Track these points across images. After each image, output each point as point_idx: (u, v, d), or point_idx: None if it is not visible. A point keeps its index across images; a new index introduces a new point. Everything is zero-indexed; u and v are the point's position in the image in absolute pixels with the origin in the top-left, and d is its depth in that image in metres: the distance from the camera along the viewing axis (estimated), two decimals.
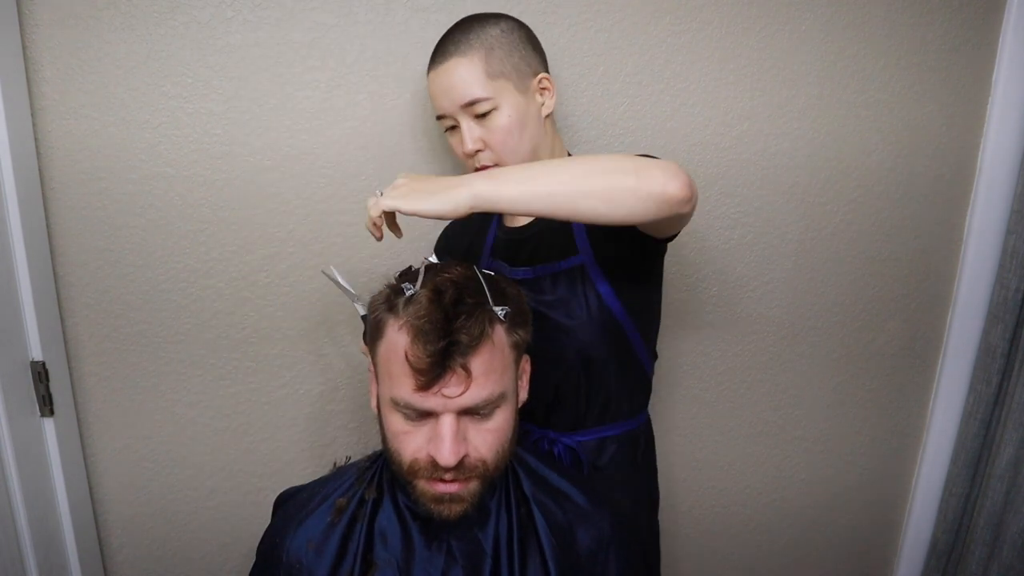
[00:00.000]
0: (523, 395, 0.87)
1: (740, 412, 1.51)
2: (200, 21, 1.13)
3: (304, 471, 1.36)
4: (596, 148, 1.29)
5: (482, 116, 0.98)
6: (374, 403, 0.84)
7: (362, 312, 0.95)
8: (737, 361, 1.47)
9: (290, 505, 0.93)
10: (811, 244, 1.42)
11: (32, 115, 1.12)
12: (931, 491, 1.61)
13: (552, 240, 1.01)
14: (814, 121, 1.35)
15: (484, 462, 0.78)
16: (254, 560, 0.94)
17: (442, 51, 0.99)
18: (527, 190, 0.79)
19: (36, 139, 1.13)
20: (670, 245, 1.00)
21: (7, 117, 1.04)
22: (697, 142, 1.32)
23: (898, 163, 1.40)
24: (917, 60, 1.35)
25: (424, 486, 0.78)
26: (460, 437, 0.75)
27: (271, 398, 1.32)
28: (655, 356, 1.12)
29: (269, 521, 0.96)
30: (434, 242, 1.23)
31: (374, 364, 0.82)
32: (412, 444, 0.77)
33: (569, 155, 1.11)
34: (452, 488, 0.77)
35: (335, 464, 1.01)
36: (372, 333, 0.81)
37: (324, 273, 0.91)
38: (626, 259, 0.98)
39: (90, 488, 1.29)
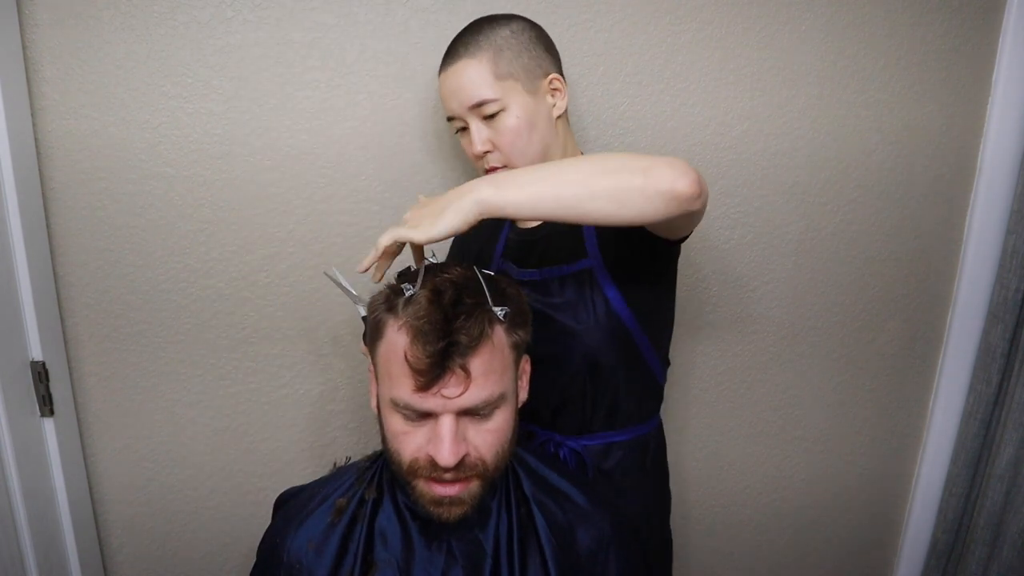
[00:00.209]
0: (523, 395, 0.87)
1: (740, 412, 1.51)
2: (200, 21, 1.13)
3: (304, 471, 1.36)
4: (596, 148, 1.29)
5: (491, 117, 0.97)
6: (374, 403, 0.84)
7: (363, 313, 0.95)
8: (737, 361, 1.47)
9: (290, 505, 0.93)
10: (811, 244, 1.42)
11: (32, 115, 1.12)
12: (931, 491, 1.61)
13: (562, 242, 1.01)
14: (814, 121, 1.35)
15: (484, 461, 0.78)
16: (254, 560, 0.94)
17: (452, 53, 0.99)
18: (533, 193, 0.77)
19: (36, 139, 1.13)
20: None
21: (7, 117, 1.04)
22: (697, 142, 1.32)
23: (898, 163, 1.40)
24: (917, 60, 1.35)
25: (423, 487, 0.78)
26: (460, 437, 0.75)
27: (271, 398, 1.32)
28: (667, 363, 1.11)
29: (269, 521, 0.96)
30: (445, 245, 1.23)
31: (374, 364, 0.82)
32: (412, 444, 0.77)
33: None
34: (452, 490, 0.77)
35: (335, 464, 1.01)
36: (372, 333, 0.81)
37: (326, 275, 0.91)
38: (636, 262, 0.97)
39: (90, 488, 1.29)
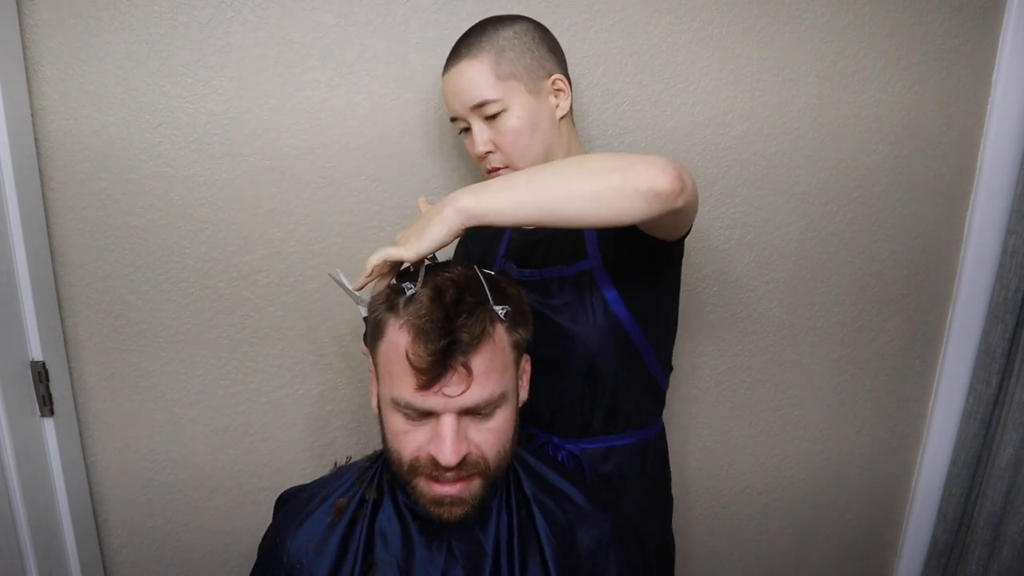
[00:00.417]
0: (523, 395, 0.87)
1: (740, 412, 1.51)
2: (200, 21, 1.13)
3: (304, 471, 1.36)
4: (596, 148, 1.29)
5: (492, 118, 0.97)
6: (374, 403, 0.84)
7: (365, 315, 0.95)
8: (737, 361, 1.47)
9: (291, 505, 0.93)
10: (811, 244, 1.42)
11: (32, 115, 1.12)
12: (931, 491, 1.61)
13: (563, 244, 1.00)
14: (814, 121, 1.35)
15: (485, 460, 0.78)
16: (254, 560, 0.94)
17: (455, 53, 0.99)
18: (512, 199, 0.77)
19: (36, 139, 1.13)
20: None
21: (7, 117, 1.04)
22: (697, 142, 1.32)
23: (898, 163, 1.40)
24: (917, 60, 1.35)
25: (424, 487, 0.78)
26: (461, 436, 0.75)
27: (271, 398, 1.32)
28: (670, 368, 1.10)
29: (269, 521, 0.96)
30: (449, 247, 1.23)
31: (374, 364, 0.82)
32: (412, 443, 0.77)
33: None
34: (453, 490, 0.77)
35: (335, 464, 1.01)
36: (372, 333, 0.81)
37: (330, 276, 0.91)
38: (636, 263, 0.97)
39: (90, 488, 1.29)
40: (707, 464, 1.52)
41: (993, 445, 1.47)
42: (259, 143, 1.20)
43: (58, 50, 1.11)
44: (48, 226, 1.16)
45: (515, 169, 0.98)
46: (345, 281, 0.89)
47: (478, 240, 1.15)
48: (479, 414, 0.76)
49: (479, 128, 0.99)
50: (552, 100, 1.00)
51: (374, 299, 0.82)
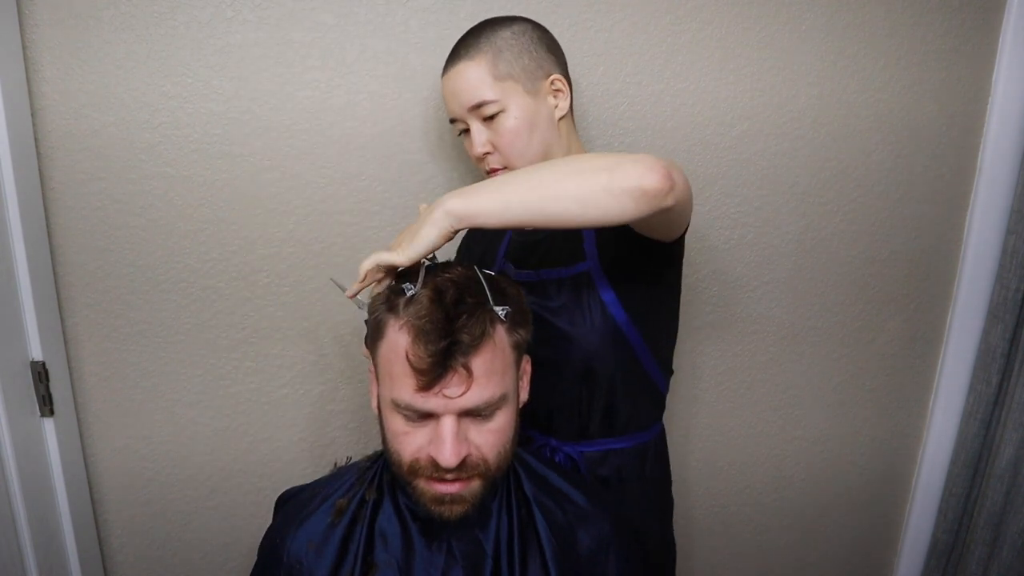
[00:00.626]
0: (524, 396, 0.87)
1: (740, 412, 1.51)
2: (200, 21, 1.13)
3: (304, 471, 1.36)
4: (596, 148, 1.29)
5: (491, 119, 0.97)
6: (374, 404, 0.84)
7: (366, 318, 0.95)
8: (737, 361, 1.47)
9: (291, 505, 0.93)
10: (811, 244, 1.42)
11: (32, 115, 1.12)
12: (931, 491, 1.61)
13: (562, 245, 1.00)
14: (814, 121, 1.35)
15: (486, 461, 0.77)
16: (255, 560, 0.94)
17: (453, 55, 1.00)
18: (500, 200, 0.77)
19: (36, 139, 1.13)
20: None
21: (7, 117, 1.04)
22: (697, 142, 1.32)
23: (898, 163, 1.40)
24: (917, 60, 1.35)
25: (424, 486, 0.78)
26: (461, 438, 0.75)
27: (271, 398, 1.32)
28: (670, 371, 1.09)
29: (269, 521, 0.96)
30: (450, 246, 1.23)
31: (374, 365, 0.82)
32: (412, 444, 0.77)
33: None
34: (453, 488, 0.77)
35: (335, 464, 1.01)
36: (372, 334, 0.81)
37: (332, 281, 0.91)
38: (633, 264, 0.96)
39: (90, 488, 1.29)
40: (707, 464, 1.52)
41: (993, 445, 1.47)
42: (259, 143, 1.20)
43: (58, 50, 1.11)
44: (48, 226, 1.16)
45: (514, 170, 0.98)
46: (346, 287, 0.89)
47: (479, 240, 1.15)
48: (479, 415, 0.76)
49: (477, 129, 0.99)
50: (551, 100, 1.00)
51: (374, 299, 0.82)
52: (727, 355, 1.46)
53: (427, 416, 0.75)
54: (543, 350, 0.95)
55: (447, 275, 0.78)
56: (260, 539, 0.94)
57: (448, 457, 0.73)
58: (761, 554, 1.61)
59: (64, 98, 1.13)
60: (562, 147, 1.03)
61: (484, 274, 0.82)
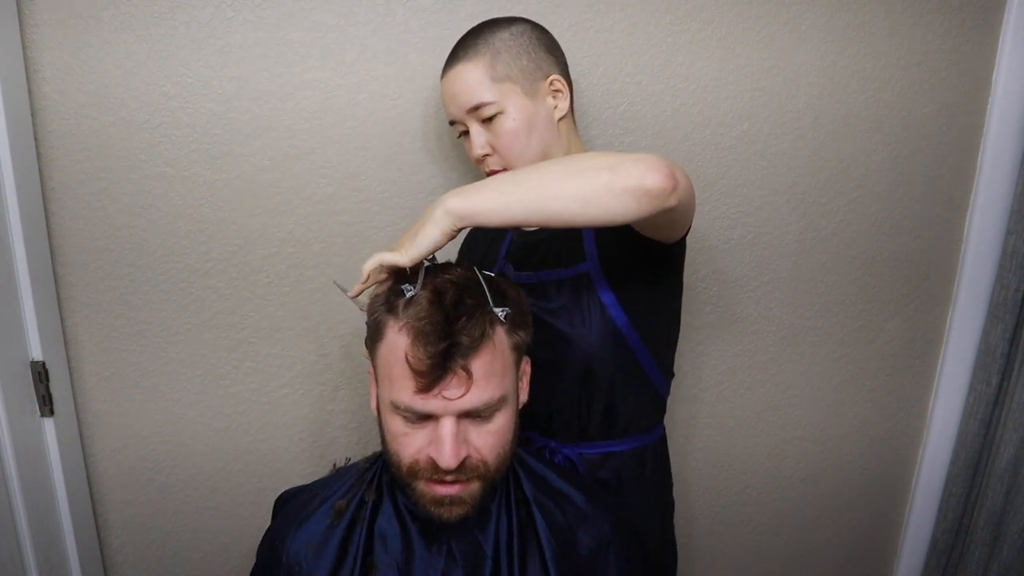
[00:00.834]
0: (523, 397, 0.87)
1: (740, 412, 1.51)
2: (200, 21, 1.13)
3: (304, 471, 1.36)
4: (596, 148, 1.29)
5: (489, 120, 0.97)
6: (374, 404, 0.84)
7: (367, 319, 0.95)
8: (737, 361, 1.47)
9: (290, 506, 0.93)
10: (811, 244, 1.42)
11: (32, 115, 1.12)
12: (931, 491, 1.61)
13: (562, 246, 1.00)
14: (814, 121, 1.35)
15: (485, 463, 0.77)
16: (254, 560, 0.94)
17: (452, 57, 0.99)
18: (500, 199, 0.77)
19: (36, 139, 1.13)
20: None
21: (7, 117, 1.04)
22: (697, 142, 1.32)
23: (898, 163, 1.40)
24: (917, 60, 1.35)
25: (424, 488, 0.78)
26: (460, 439, 0.75)
27: (271, 398, 1.32)
28: (671, 374, 1.08)
29: (269, 521, 0.96)
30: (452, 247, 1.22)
31: (373, 366, 0.82)
32: (412, 446, 0.77)
33: None
34: (452, 490, 0.77)
35: (335, 465, 1.01)
36: (372, 335, 0.80)
37: (335, 283, 0.91)
38: (633, 265, 0.96)
39: (90, 488, 1.29)
40: (707, 464, 1.52)
41: (993, 445, 1.47)
42: (259, 143, 1.20)
43: (58, 50, 1.11)
44: (48, 226, 1.16)
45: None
46: (349, 290, 0.89)
47: (480, 241, 1.15)
48: (479, 417, 0.76)
49: (476, 131, 0.99)
50: (550, 101, 1.00)
51: (373, 300, 0.82)
52: (727, 355, 1.46)
53: (426, 418, 0.75)
54: (543, 351, 0.95)
55: (447, 276, 0.78)
56: (260, 539, 0.94)
57: (448, 459, 0.73)
58: (761, 554, 1.61)
59: (64, 98, 1.13)
60: (562, 148, 1.02)
61: (484, 275, 0.82)
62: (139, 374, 1.26)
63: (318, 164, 1.22)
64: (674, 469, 1.16)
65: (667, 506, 1.14)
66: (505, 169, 0.99)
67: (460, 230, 0.79)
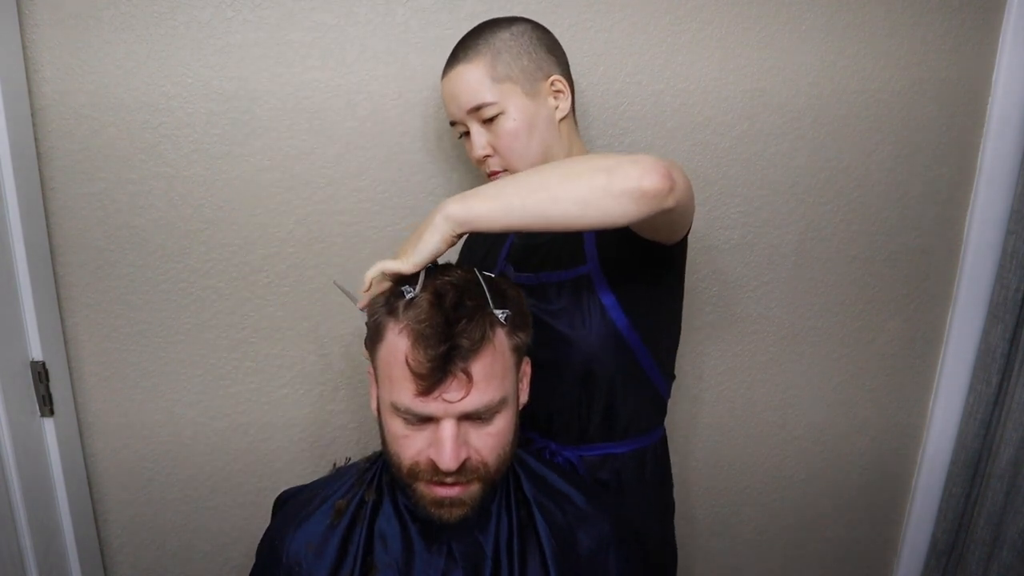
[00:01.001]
0: (523, 398, 0.87)
1: (740, 412, 1.51)
2: (200, 21, 1.13)
3: (304, 471, 1.36)
4: (597, 148, 1.29)
5: (490, 121, 0.97)
6: (374, 405, 0.83)
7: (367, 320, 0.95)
8: (737, 361, 1.47)
9: (290, 506, 0.93)
10: (811, 244, 1.42)
11: (32, 115, 1.12)
12: (931, 491, 1.61)
13: (563, 248, 1.00)
14: (814, 121, 1.35)
15: (485, 464, 0.77)
16: (254, 560, 0.94)
17: (452, 57, 0.99)
18: (499, 204, 0.77)
19: (36, 139, 1.13)
20: None
21: (7, 117, 1.04)
22: (697, 142, 1.32)
23: (898, 163, 1.40)
24: (917, 60, 1.35)
25: (424, 489, 0.78)
26: (461, 441, 0.75)
27: (271, 398, 1.32)
28: (671, 376, 1.08)
29: (269, 521, 0.96)
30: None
31: (374, 367, 0.82)
32: (412, 448, 0.77)
33: None
34: (453, 492, 0.77)
35: (335, 465, 1.01)
36: (372, 336, 0.80)
37: (336, 284, 0.91)
38: (633, 266, 0.96)
39: (90, 488, 1.29)
40: (707, 464, 1.52)
41: (993, 445, 1.47)
42: (259, 143, 1.20)
43: (58, 50, 1.11)
44: (48, 226, 1.16)
45: (514, 172, 0.98)
46: (349, 291, 0.89)
47: (481, 243, 1.15)
48: (479, 418, 0.76)
49: (477, 131, 0.99)
50: (551, 102, 0.99)
51: (373, 301, 0.82)
52: (727, 355, 1.46)
53: (427, 420, 0.75)
54: (543, 352, 0.95)
55: (447, 278, 0.78)
56: (260, 539, 0.94)
57: (448, 461, 0.73)
58: (761, 554, 1.61)
59: (64, 98, 1.13)
60: (563, 148, 1.02)
61: (484, 276, 0.81)
62: (139, 374, 1.26)
63: (318, 164, 1.22)
64: (674, 469, 1.16)
65: (667, 507, 1.14)
66: (506, 170, 0.99)
67: (461, 236, 0.79)
